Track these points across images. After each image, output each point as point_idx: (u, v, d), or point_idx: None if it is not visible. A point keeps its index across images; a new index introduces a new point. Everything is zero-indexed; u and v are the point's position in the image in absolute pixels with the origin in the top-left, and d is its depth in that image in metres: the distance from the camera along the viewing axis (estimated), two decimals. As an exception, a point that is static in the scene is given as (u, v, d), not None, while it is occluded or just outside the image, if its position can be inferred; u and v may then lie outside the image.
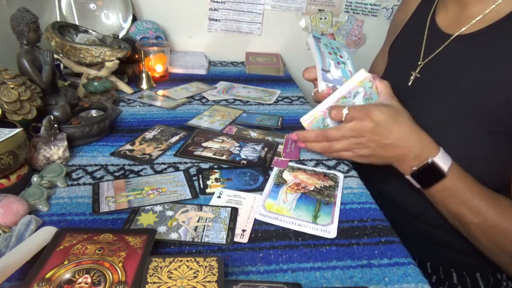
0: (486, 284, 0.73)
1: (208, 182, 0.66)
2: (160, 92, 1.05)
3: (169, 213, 0.58)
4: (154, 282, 0.41)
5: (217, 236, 0.54)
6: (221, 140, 0.79)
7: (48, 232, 0.50)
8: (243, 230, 0.55)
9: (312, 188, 0.66)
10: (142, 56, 1.06)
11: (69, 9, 1.21)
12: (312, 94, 0.77)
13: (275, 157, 0.74)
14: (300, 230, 0.56)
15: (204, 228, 0.55)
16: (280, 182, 0.67)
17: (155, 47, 1.14)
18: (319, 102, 0.72)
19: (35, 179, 0.61)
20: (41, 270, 0.43)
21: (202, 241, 0.53)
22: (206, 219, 0.57)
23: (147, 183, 0.65)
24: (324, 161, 0.75)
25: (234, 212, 0.58)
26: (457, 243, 0.68)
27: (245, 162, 0.72)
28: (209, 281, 0.42)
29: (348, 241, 0.55)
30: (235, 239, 0.53)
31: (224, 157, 0.73)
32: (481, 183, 0.64)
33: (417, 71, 0.77)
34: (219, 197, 0.62)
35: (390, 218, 0.61)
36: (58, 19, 1.20)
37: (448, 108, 0.68)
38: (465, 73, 0.68)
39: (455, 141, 0.66)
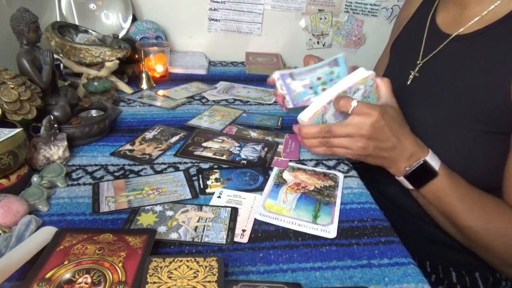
0: (485, 283, 0.73)
1: (208, 182, 0.66)
2: (160, 92, 1.05)
3: (169, 213, 0.58)
4: (154, 282, 0.41)
5: (217, 236, 0.54)
6: (221, 140, 0.79)
7: (48, 232, 0.50)
8: (243, 230, 0.55)
9: (312, 188, 0.66)
10: (142, 56, 1.06)
11: (69, 9, 1.21)
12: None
13: (275, 157, 0.74)
14: (300, 230, 0.56)
15: (204, 228, 0.55)
16: (280, 182, 0.67)
17: (155, 47, 1.14)
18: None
19: (35, 179, 0.61)
20: (41, 270, 0.43)
21: (202, 241, 0.53)
22: (206, 219, 0.57)
23: (147, 183, 0.65)
24: (324, 161, 0.75)
25: (234, 212, 0.59)
26: (456, 243, 0.68)
27: (245, 162, 0.72)
28: (209, 281, 0.42)
29: (348, 241, 0.55)
30: (235, 239, 0.53)
31: (224, 157, 0.73)
32: (477, 183, 0.65)
33: (416, 70, 0.77)
34: (219, 197, 0.62)
35: (390, 218, 0.61)
36: (58, 19, 1.20)
37: (446, 107, 0.68)
38: (463, 74, 0.68)
39: (452, 140, 0.67)
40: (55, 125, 0.69)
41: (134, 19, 1.31)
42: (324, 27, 1.47)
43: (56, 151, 0.67)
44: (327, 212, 0.60)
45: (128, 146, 0.76)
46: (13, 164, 0.57)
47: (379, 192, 0.77)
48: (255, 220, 0.58)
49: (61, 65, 1.04)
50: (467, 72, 0.67)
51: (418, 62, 0.77)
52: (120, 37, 1.17)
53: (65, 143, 0.69)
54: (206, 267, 0.43)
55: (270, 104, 1.02)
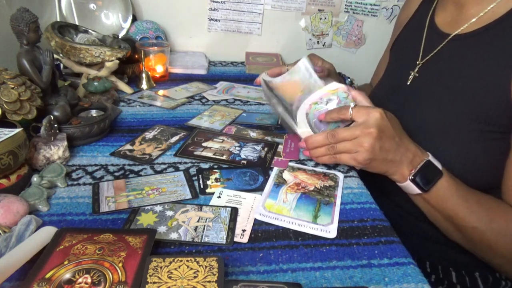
0: (485, 283, 0.73)
1: (208, 182, 0.66)
2: (160, 92, 1.05)
3: (169, 213, 0.58)
4: (154, 282, 0.41)
5: (217, 236, 0.54)
6: (221, 140, 0.79)
7: (48, 232, 0.50)
8: (243, 230, 0.55)
9: (312, 188, 0.66)
10: (142, 56, 1.06)
11: (69, 9, 1.21)
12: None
13: (275, 157, 0.74)
14: (300, 230, 0.56)
15: (204, 228, 0.55)
16: (280, 182, 0.67)
17: (155, 47, 1.14)
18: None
19: (35, 179, 0.61)
20: (41, 270, 0.43)
21: (202, 241, 0.53)
22: (206, 219, 0.57)
23: (147, 183, 0.65)
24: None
25: (234, 212, 0.59)
26: (456, 243, 0.68)
27: (245, 162, 0.72)
28: (209, 281, 0.42)
29: (348, 241, 0.55)
30: (235, 239, 0.53)
31: (224, 157, 0.73)
32: (477, 182, 0.65)
33: (416, 71, 0.77)
34: (219, 197, 0.62)
35: (390, 218, 0.61)
36: (58, 19, 1.20)
37: (446, 107, 0.68)
38: (463, 73, 0.68)
39: (453, 140, 0.67)
40: (55, 125, 0.69)
41: (134, 19, 1.31)
42: (324, 27, 1.47)
43: (56, 151, 0.67)
44: (327, 212, 0.60)
45: (128, 146, 0.76)
46: (13, 164, 0.57)
47: (379, 192, 0.77)
48: (255, 220, 0.58)
49: (61, 65, 1.04)
50: (467, 72, 0.67)
51: (417, 62, 0.77)
52: (120, 37, 1.17)
53: (65, 143, 0.69)
54: (206, 267, 0.43)
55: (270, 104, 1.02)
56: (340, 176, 0.70)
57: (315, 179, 0.68)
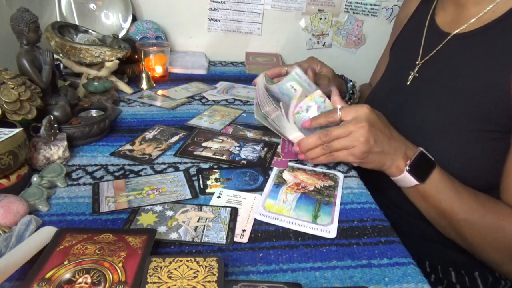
0: (485, 283, 0.73)
1: (208, 182, 0.66)
2: (160, 92, 1.05)
3: (169, 213, 0.58)
4: (154, 282, 0.41)
5: (217, 236, 0.54)
6: (220, 140, 0.80)
7: (48, 232, 0.50)
8: (243, 230, 0.55)
9: (312, 188, 0.66)
10: (142, 56, 1.06)
11: (69, 9, 1.21)
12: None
13: (275, 157, 0.74)
14: (300, 230, 0.56)
15: (204, 228, 0.55)
16: (280, 182, 0.67)
17: (155, 47, 1.14)
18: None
19: (35, 179, 0.61)
20: (41, 270, 0.43)
21: (202, 241, 0.53)
22: (206, 219, 0.57)
23: (147, 183, 0.65)
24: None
25: (234, 212, 0.59)
26: (455, 243, 0.68)
27: (245, 162, 0.72)
28: (209, 281, 0.42)
29: (348, 241, 0.55)
30: (235, 239, 0.53)
31: (224, 157, 0.73)
32: (477, 182, 0.65)
33: (415, 71, 0.77)
34: (219, 197, 0.62)
35: (390, 218, 0.61)
36: (58, 19, 1.20)
37: (445, 107, 0.68)
38: (462, 73, 0.68)
39: (452, 139, 0.67)
40: (55, 125, 0.69)
41: (134, 19, 1.31)
42: (324, 27, 1.47)
43: (56, 151, 0.67)
44: (327, 212, 0.60)
45: (128, 146, 0.76)
46: (13, 164, 0.57)
47: (379, 192, 0.77)
48: (255, 220, 0.58)
49: (61, 65, 1.04)
50: (466, 71, 0.67)
51: (417, 62, 0.77)
52: (120, 37, 1.17)
53: (65, 143, 0.69)
54: (206, 267, 0.43)
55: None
56: (340, 176, 0.70)
57: (315, 179, 0.68)
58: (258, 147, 0.78)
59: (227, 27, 1.42)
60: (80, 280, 0.42)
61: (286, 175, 0.69)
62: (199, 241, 0.53)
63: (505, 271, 0.65)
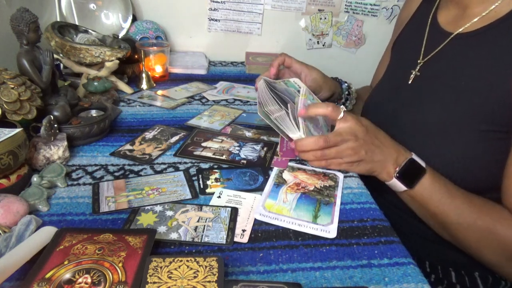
0: (485, 283, 0.73)
1: (208, 182, 0.66)
2: (160, 92, 1.05)
3: (169, 213, 0.58)
4: (154, 282, 0.41)
5: (217, 236, 0.54)
6: (220, 140, 0.79)
7: (48, 232, 0.50)
8: (243, 230, 0.55)
9: (312, 188, 0.66)
10: (142, 56, 1.06)
11: (69, 9, 1.21)
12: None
13: (275, 157, 0.74)
14: (300, 230, 0.56)
15: (204, 228, 0.55)
16: (280, 182, 0.67)
17: (155, 47, 1.14)
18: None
19: (35, 179, 0.61)
20: (41, 270, 0.43)
21: (202, 241, 0.53)
22: (206, 219, 0.57)
23: (147, 183, 0.65)
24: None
25: (234, 212, 0.59)
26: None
27: (244, 162, 0.72)
28: (209, 281, 0.42)
29: (348, 241, 0.55)
30: (235, 239, 0.53)
31: (223, 157, 0.73)
32: (478, 182, 0.65)
33: (417, 70, 0.77)
34: (219, 197, 0.62)
35: (390, 218, 0.61)
36: (58, 19, 1.20)
37: (447, 106, 0.68)
38: (465, 72, 0.68)
39: (454, 139, 0.67)
40: (55, 125, 0.69)
41: (134, 19, 1.31)
42: (324, 27, 1.47)
43: (56, 151, 0.67)
44: (327, 212, 0.60)
45: (128, 146, 0.76)
46: (13, 164, 0.57)
47: (379, 192, 0.77)
48: (255, 220, 0.58)
49: (61, 65, 1.04)
50: (469, 71, 0.67)
51: (419, 61, 0.77)
52: (120, 37, 1.17)
53: (65, 143, 0.69)
54: (206, 267, 0.43)
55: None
56: (340, 176, 0.70)
57: (315, 179, 0.68)
58: (258, 147, 0.78)
59: (227, 27, 1.42)
60: (80, 280, 0.42)
61: (286, 175, 0.69)
62: (199, 241, 0.53)
63: (504, 273, 0.65)
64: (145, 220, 0.56)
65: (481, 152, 0.65)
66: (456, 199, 0.63)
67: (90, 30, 1.09)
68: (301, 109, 0.70)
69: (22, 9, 0.70)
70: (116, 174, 0.67)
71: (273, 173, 0.69)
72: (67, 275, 0.43)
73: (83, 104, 0.82)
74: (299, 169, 0.71)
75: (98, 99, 0.90)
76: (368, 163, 0.66)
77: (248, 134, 0.83)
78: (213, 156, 0.73)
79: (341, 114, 0.66)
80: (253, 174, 0.69)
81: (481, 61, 0.66)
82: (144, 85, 1.07)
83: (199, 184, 0.65)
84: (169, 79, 1.17)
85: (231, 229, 0.55)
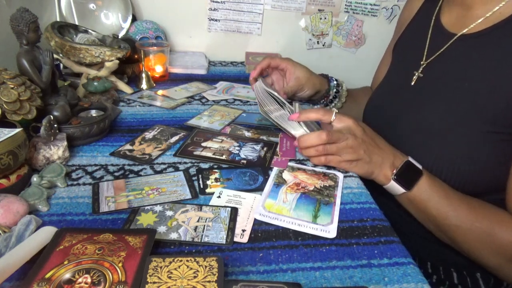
0: (487, 284, 0.73)
1: (208, 182, 0.66)
2: (160, 92, 1.05)
3: (169, 213, 0.58)
4: (154, 282, 0.41)
5: (217, 236, 0.54)
6: (220, 140, 0.79)
7: (48, 232, 0.50)
8: (243, 230, 0.55)
9: (312, 188, 0.66)
10: (142, 56, 1.06)
11: (68, 9, 1.21)
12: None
13: (275, 157, 0.74)
14: (300, 230, 0.56)
15: (204, 228, 0.55)
16: (280, 182, 0.67)
17: (155, 47, 1.14)
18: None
19: (35, 179, 0.61)
20: (41, 270, 0.43)
21: (202, 241, 0.53)
22: (206, 219, 0.57)
23: (147, 183, 0.65)
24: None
25: (234, 212, 0.59)
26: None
27: (244, 162, 0.72)
28: (209, 281, 0.42)
29: (348, 241, 0.55)
30: (235, 239, 0.53)
31: (223, 157, 0.73)
32: (482, 184, 0.65)
33: (420, 71, 0.77)
34: (219, 197, 0.62)
35: (390, 218, 0.61)
36: (58, 19, 1.20)
37: (451, 108, 0.68)
38: (468, 74, 0.68)
39: (458, 141, 0.66)
40: (55, 125, 0.69)
41: (134, 19, 1.31)
42: (324, 27, 1.47)
43: (56, 151, 0.67)
44: (327, 212, 0.60)
45: (128, 146, 0.76)
46: (13, 164, 0.57)
47: (379, 192, 0.77)
48: (255, 220, 0.58)
49: (61, 65, 1.04)
50: (473, 72, 0.67)
51: (422, 62, 0.77)
52: (120, 37, 1.17)
53: (65, 143, 0.69)
54: (206, 267, 0.43)
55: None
56: (340, 176, 0.70)
57: (315, 179, 0.68)
58: (258, 147, 0.78)
59: (227, 27, 1.42)
60: (80, 280, 0.42)
61: (286, 175, 0.69)
62: (199, 241, 0.53)
63: (504, 275, 0.65)
64: (145, 220, 0.56)
65: (485, 154, 0.65)
66: (454, 202, 0.63)
67: (90, 30, 1.09)
68: (294, 113, 0.72)
69: (22, 9, 0.70)
70: (116, 174, 0.67)
71: (273, 173, 0.69)
72: (67, 275, 0.43)
73: (83, 104, 0.82)
74: (299, 169, 0.71)
75: (98, 99, 0.90)
76: (366, 163, 0.67)
77: (248, 134, 0.83)
78: (213, 156, 0.73)
79: (333, 116, 0.67)
80: (253, 174, 0.69)
81: (485, 63, 0.66)
82: (144, 85, 1.07)
83: (199, 184, 0.65)
84: (169, 79, 1.17)
85: (231, 229, 0.55)
